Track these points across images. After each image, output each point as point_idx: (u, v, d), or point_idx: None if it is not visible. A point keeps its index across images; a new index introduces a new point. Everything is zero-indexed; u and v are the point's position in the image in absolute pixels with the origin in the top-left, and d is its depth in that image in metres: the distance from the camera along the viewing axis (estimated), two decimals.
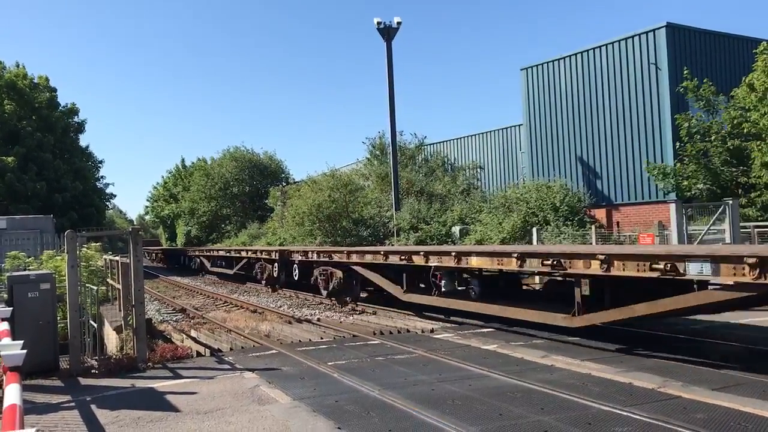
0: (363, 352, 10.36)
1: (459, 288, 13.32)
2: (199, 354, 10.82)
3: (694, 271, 8.00)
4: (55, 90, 47.48)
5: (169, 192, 79.70)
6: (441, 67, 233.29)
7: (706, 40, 24.11)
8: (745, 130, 18.87)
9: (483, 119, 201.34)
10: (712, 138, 19.98)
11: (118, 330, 11.19)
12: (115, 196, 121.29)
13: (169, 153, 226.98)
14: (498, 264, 11.54)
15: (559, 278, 11.69)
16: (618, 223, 23.85)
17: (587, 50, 25.53)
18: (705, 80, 20.73)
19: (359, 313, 15.81)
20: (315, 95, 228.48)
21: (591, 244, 18.96)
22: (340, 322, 14.41)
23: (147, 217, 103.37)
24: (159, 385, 8.61)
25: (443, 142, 39.12)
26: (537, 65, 27.89)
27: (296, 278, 20.79)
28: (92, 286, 12.15)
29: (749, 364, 8.41)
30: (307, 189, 34.52)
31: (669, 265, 8.26)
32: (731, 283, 7.73)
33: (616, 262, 9.05)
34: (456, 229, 26.19)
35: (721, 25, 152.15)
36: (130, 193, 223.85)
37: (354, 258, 16.49)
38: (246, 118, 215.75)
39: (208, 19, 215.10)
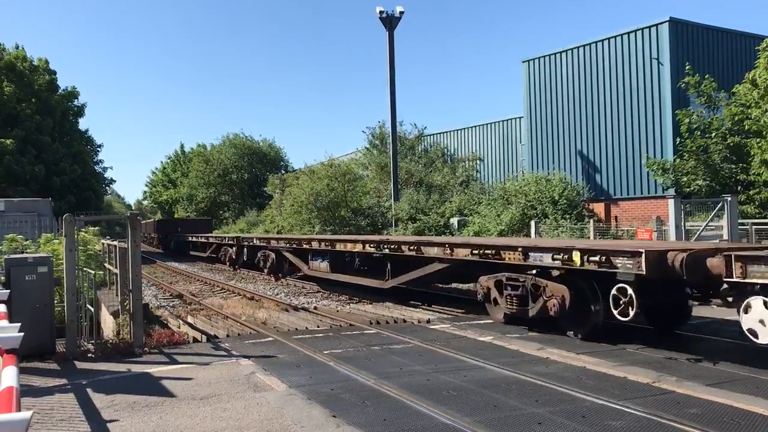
0: (359, 342, 10.38)
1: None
2: (195, 340, 10.83)
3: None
4: (54, 73, 47.33)
5: (168, 177, 79.59)
6: (442, 57, 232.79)
7: (708, 36, 24.05)
8: (746, 127, 18.85)
9: (483, 111, 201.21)
10: (713, 134, 19.96)
11: (114, 314, 11.19)
12: (114, 181, 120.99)
13: (168, 138, 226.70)
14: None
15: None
16: (616, 217, 23.89)
17: (589, 44, 25.46)
18: (706, 76, 20.68)
19: (356, 303, 15.85)
20: (315, 83, 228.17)
21: (589, 238, 18.99)
22: (337, 311, 14.44)
23: (145, 202, 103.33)
24: (155, 370, 8.62)
25: (443, 132, 39.07)
26: (539, 57, 27.82)
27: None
28: (90, 270, 12.15)
29: (743, 360, 8.44)
30: (305, 178, 34.50)
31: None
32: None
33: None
34: (454, 221, 26.21)
35: (724, 21, 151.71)
36: (129, 178, 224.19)
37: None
38: (245, 105, 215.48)
39: (208, 4, 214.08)
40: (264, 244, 22.55)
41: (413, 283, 14.87)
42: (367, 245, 15.49)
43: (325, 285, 18.73)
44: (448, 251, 12.36)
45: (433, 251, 12.93)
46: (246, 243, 25.04)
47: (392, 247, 14.32)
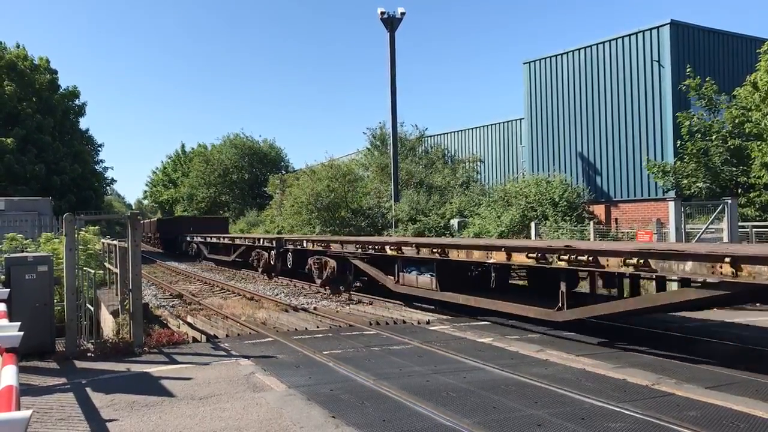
0: (359, 342, 10.38)
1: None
2: (195, 340, 10.83)
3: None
4: (55, 72, 47.31)
5: (168, 177, 79.66)
6: (443, 58, 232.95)
7: (709, 39, 24.05)
8: (746, 130, 18.84)
9: (484, 112, 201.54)
10: (713, 137, 19.96)
11: (114, 314, 11.19)
12: (114, 180, 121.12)
13: (168, 138, 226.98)
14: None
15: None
16: (616, 219, 23.88)
17: (590, 46, 25.46)
18: (707, 79, 20.68)
19: (355, 303, 15.84)
20: (315, 83, 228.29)
21: (589, 240, 18.99)
22: (337, 311, 14.43)
23: (145, 202, 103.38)
24: (154, 369, 8.63)
25: (444, 134, 39.08)
26: (540, 59, 27.82)
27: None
28: (90, 270, 12.15)
29: (742, 362, 8.44)
30: (305, 178, 34.52)
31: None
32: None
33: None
34: (454, 222, 26.20)
35: (725, 23, 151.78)
36: (129, 178, 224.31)
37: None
38: (246, 105, 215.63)
39: (208, 4, 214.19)
40: (320, 249, 18.44)
41: (618, 317, 10.36)
42: (516, 254, 10.71)
43: (417, 305, 14.55)
44: (728, 270, 7.31)
45: (683, 268, 7.98)
46: (291, 246, 21.11)
47: (583, 259, 9.31)
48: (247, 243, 25.84)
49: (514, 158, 32.97)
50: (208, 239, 32.35)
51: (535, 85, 27.98)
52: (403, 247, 14.16)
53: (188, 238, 37.16)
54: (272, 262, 22.46)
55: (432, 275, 13.29)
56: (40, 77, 45.21)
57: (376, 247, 15.23)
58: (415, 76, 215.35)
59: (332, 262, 17.62)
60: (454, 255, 12.34)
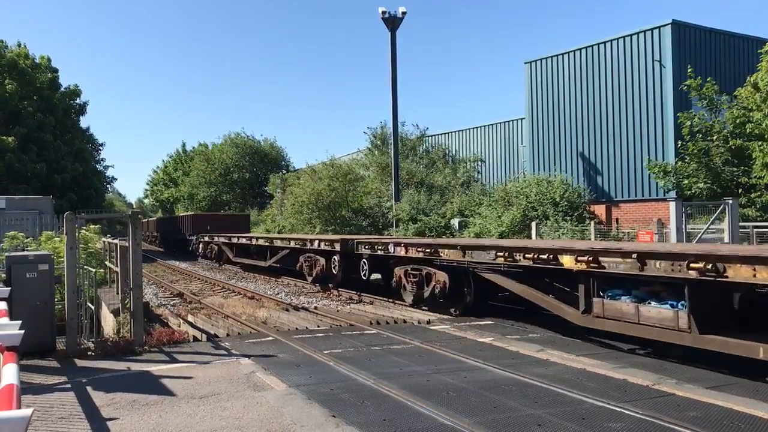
0: (359, 342, 10.37)
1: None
2: (195, 339, 10.82)
3: None
4: (56, 71, 47.39)
5: (169, 176, 79.75)
6: (444, 58, 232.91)
7: (711, 39, 24.04)
8: (747, 130, 18.82)
9: (485, 112, 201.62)
10: (714, 137, 19.94)
11: (115, 313, 11.20)
12: (115, 179, 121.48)
13: (170, 137, 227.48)
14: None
15: None
16: (617, 219, 23.87)
17: (592, 45, 25.45)
18: (708, 79, 20.66)
19: (356, 303, 15.84)
20: (316, 82, 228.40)
21: (590, 240, 18.99)
22: (337, 311, 14.44)
23: (146, 201, 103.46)
24: (155, 368, 8.62)
25: (445, 133, 39.09)
26: (541, 59, 27.81)
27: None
28: (90, 269, 12.17)
29: (743, 363, 8.42)
30: (306, 178, 34.57)
31: None
32: None
33: None
34: (455, 222, 26.21)
35: (727, 24, 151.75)
36: (130, 177, 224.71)
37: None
38: (247, 105, 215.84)
39: (208, 4, 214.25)
40: (420, 255, 13.49)
41: None
42: None
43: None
44: None
45: None
46: (366, 251, 16.04)
47: None
48: (293, 245, 20.80)
49: (515, 158, 32.96)
50: (234, 240, 27.14)
51: (537, 85, 27.97)
52: (601, 258, 8.79)
53: (206, 238, 31.80)
54: (335, 271, 17.67)
55: (678, 307, 8.07)
56: (41, 76, 45.26)
57: (543, 255, 9.87)
58: (417, 76, 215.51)
59: (441, 275, 13.02)
60: (743, 274, 6.97)
